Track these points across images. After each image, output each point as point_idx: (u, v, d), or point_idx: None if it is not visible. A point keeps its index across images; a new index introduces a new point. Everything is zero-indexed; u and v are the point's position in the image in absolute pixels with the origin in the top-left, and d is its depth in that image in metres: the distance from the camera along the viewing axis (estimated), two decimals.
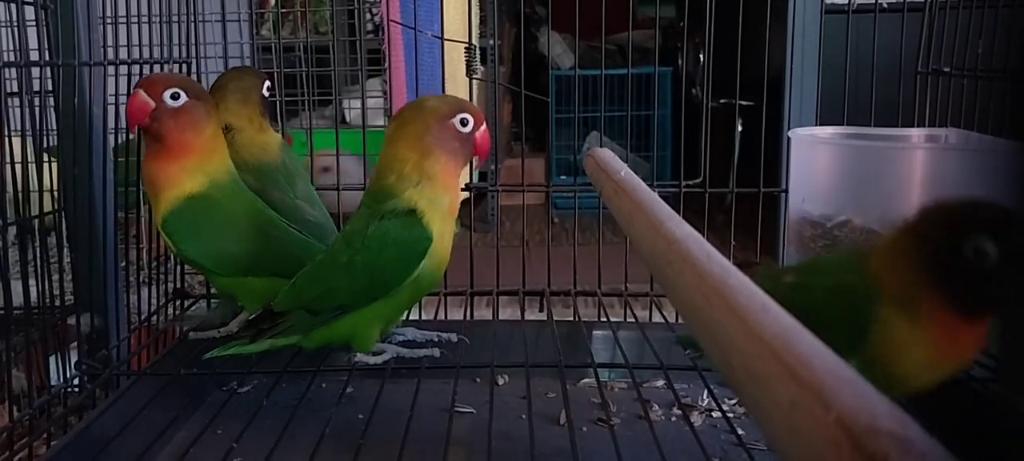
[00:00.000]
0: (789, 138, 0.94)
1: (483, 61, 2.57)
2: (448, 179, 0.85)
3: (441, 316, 1.12)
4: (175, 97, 0.88)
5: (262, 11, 2.64)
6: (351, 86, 2.81)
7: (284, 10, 2.42)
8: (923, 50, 1.12)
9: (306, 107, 1.84)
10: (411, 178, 0.83)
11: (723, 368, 0.42)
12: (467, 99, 0.93)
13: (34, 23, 0.93)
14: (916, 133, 1.02)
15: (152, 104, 0.87)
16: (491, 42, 3.08)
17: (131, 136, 0.96)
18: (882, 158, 0.89)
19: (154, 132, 0.88)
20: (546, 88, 3.53)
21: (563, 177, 3.56)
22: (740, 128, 2.27)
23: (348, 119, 2.63)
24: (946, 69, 1.06)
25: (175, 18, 1.09)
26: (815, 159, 0.92)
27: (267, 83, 1.05)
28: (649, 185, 0.72)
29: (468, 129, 0.85)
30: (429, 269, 0.84)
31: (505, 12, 3.61)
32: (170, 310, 1.13)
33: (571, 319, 1.10)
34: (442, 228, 0.84)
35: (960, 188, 0.85)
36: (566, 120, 3.54)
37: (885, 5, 1.11)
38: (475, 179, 1.32)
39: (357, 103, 2.39)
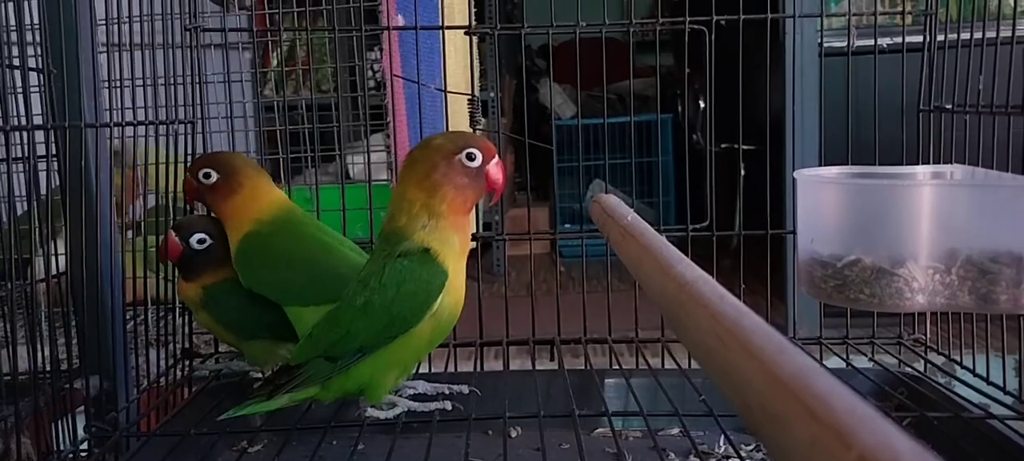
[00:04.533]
0: (795, 179, 0.94)
1: (484, 113, 2.59)
2: (457, 217, 0.84)
3: (451, 368, 1.11)
4: (206, 176, 0.99)
5: (265, 70, 2.67)
6: (354, 142, 2.83)
7: (287, 69, 2.45)
8: (924, 88, 1.13)
9: (310, 164, 1.85)
10: (420, 219, 0.83)
11: (740, 409, 0.41)
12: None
13: (37, 89, 0.94)
14: (922, 170, 1.02)
15: (195, 184, 1.00)
16: (492, 94, 3.10)
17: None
18: (889, 196, 0.88)
19: (206, 205, 1.03)
20: (547, 138, 3.55)
21: (567, 225, 3.56)
22: (743, 172, 2.27)
23: (352, 174, 2.63)
24: (948, 106, 1.06)
25: (179, 80, 1.09)
26: (822, 199, 0.92)
27: None
28: (656, 230, 0.71)
29: (476, 164, 0.84)
30: (447, 306, 0.83)
31: (505, 65, 3.64)
32: (178, 371, 1.12)
33: (582, 368, 1.09)
34: (456, 266, 0.84)
35: (969, 223, 0.85)
36: (569, 169, 3.55)
37: (885, 47, 1.12)
38: (480, 229, 1.31)
39: (360, 158, 2.41)
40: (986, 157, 1.00)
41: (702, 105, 3.32)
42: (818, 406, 0.35)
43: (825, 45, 1.19)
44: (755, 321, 0.46)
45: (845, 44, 1.12)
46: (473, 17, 1.22)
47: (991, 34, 1.00)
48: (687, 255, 0.57)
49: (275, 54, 2.71)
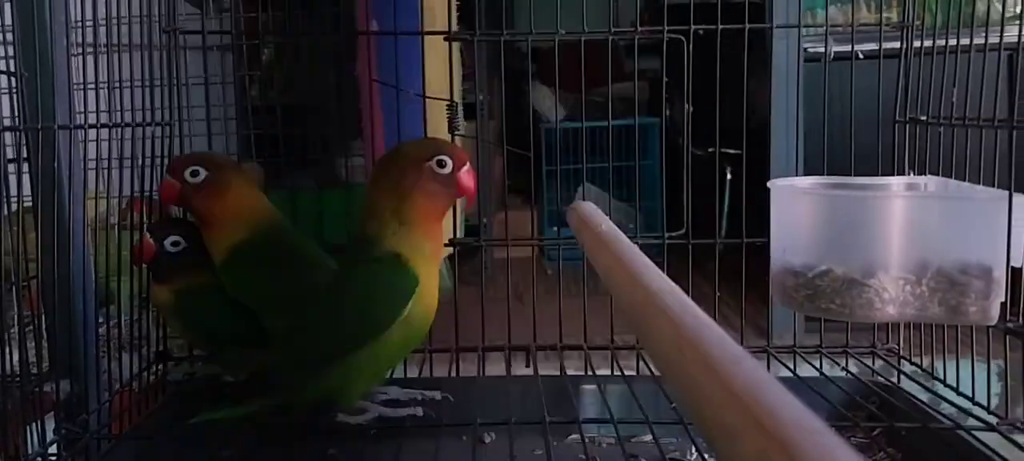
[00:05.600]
0: (769, 188, 0.94)
1: (470, 117, 2.57)
2: (429, 224, 0.84)
3: (426, 373, 1.11)
4: (194, 174, 0.95)
5: (243, 75, 2.64)
6: (338, 146, 2.81)
7: (263, 75, 2.43)
8: (899, 100, 1.13)
9: (287, 167, 1.84)
10: (391, 225, 0.83)
11: (697, 420, 0.42)
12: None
13: (7, 92, 0.94)
14: (896, 181, 1.02)
15: (178, 185, 0.95)
16: (480, 97, 3.10)
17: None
18: (862, 207, 0.89)
19: (189, 208, 0.98)
20: (536, 140, 3.55)
21: (556, 229, 3.56)
22: (730, 176, 2.27)
23: (344, 176, 2.62)
24: (923, 117, 1.07)
25: (157, 82, 1.09)
26: (796, 209, 0.92)
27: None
28: (632, 237, 0.71)
29: (446, 171, 0.85)
30: (418, 313, 0.83)
31: (495, 67, 3.64)
32: (151, 374, 1.11)
33: (557, 374, 1.09)
34: (427, 272, 0.84)
35: (940, 235, 0.85)
36: (560, 172, 3.55)
37: (861, 55, 1.12)
38: (464, 233, 1.31)
39: (342, 162, 2.42)
40: (960, 169, 1.00)
41: (690, 108, 3.31)
42: (766, 418, 0.35)
43: (808, 50, 1.19)
44: (715, 333, 0.46)
45: (824, 50, 1.12)
46: (455, 21, 1.21)
47: (965, 40, 1.00)
48: (664, 263, 0.57)
49: (264, 55, 2.69)
